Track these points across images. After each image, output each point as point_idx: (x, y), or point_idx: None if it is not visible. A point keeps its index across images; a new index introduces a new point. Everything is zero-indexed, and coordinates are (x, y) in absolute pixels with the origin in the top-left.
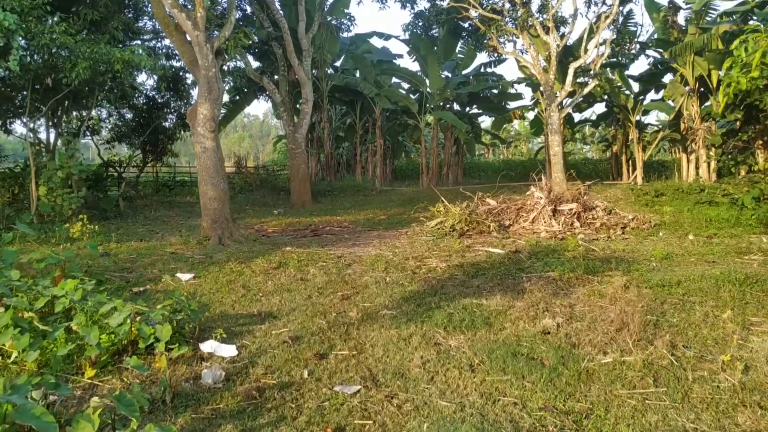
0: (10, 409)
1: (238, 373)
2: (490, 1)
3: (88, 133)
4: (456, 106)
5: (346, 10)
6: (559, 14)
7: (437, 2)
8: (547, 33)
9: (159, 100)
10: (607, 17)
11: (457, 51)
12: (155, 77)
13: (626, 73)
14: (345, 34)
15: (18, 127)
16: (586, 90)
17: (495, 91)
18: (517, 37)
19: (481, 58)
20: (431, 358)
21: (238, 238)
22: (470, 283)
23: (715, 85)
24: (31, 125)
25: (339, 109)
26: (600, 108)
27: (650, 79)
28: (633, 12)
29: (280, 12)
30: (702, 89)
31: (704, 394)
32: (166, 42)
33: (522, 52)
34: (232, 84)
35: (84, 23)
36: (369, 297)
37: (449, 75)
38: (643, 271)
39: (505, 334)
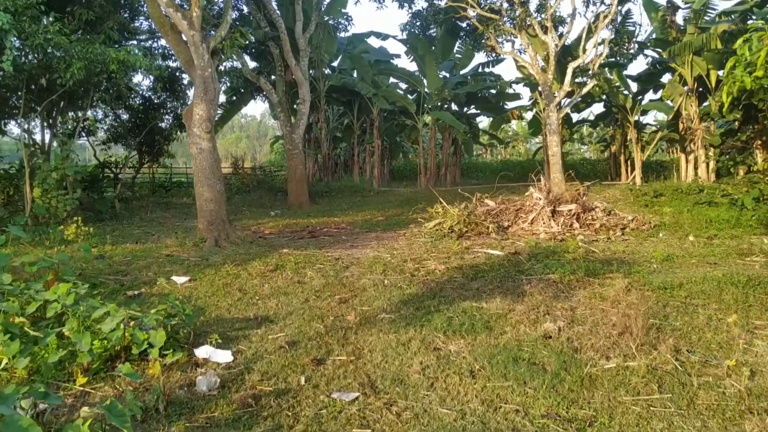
0: None
1: (234, 379)
2: (488, 1)
3: (84, 134)
4: (454, 107)
5: (343, 10)
6: (558, 14)
7: (435, 2)
8: (545, 33)
9: (155, 101)
10: (605, 17)
11: (455, 51)
12: (151, 78)
13: (624, 73)
14: (342, 34)
15: (13, 128)
16: (585, 90)
17: (493, 91)
18: (516, 37)
19: (479, 58)
20: (431, 363)
21: (235, 239)
22: (469, 285)
23: (713, 85)
24: (26, 126)
25: (336, 110)
26: (598, 108)
27: (649, 79)
28: (631, 12)
29: (277, 12)
30: (701, 89)
31: (710, 401)
32: (162, 42)
33: (520, 52)
34: (228, 84)
35: (79, 23)
36: (367, 300)
37: (447, 75)
38: (644, 273)
39: (505, 339)
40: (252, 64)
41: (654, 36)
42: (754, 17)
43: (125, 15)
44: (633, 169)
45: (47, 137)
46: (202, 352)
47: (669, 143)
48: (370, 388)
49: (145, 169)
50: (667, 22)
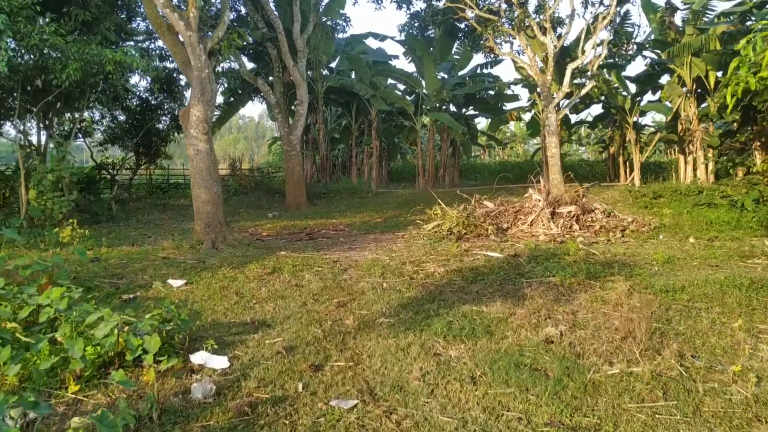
0: None
1: (230, 386)
2: (487, 2)
3: (81, 135)
4: (452, 108)
5: (341, 11)
6: (556, 15)
7: (433, 2)
8: (544, 34)
9: (152, 102)
10: (604, 18)
11: (453, 52)
12: (148, 78)
13: (623, 74)
14: (340, 35)
15: (9, 129)
16: (584, 91)
17: (491, 92)
18: (514, 38)
19: (478, 59)
20: (431, 369)
21: (232, 242)
22: (469, 288)
23: (712, 86)
24: (22, 127)
25: (334, 111)
26: (597, 109)
27: (647, 80)
28: (630, 13)
29: (275, 12)
30: (699, 90)
31: (716, 408)
32: (159, 43)
33: (519, 53)
34: (226, 85)
35: (75, 24)
36: (366, 304)
37: (445, 76)
38: (646, 276)
39: (506, 344)
40: (250, 65)
41: (653, 37)
42: (753, 18)
43: (122, 16)
44: (632, 171)
45: (43, 138)
46: (198, 357)
47: (667, 144)
48: (369, 395)
49: (142, 170)
50: (666, 23)
